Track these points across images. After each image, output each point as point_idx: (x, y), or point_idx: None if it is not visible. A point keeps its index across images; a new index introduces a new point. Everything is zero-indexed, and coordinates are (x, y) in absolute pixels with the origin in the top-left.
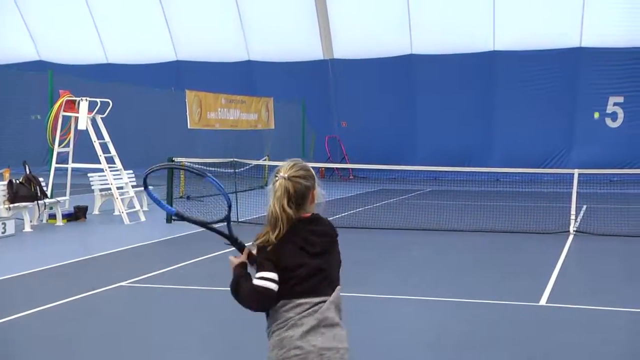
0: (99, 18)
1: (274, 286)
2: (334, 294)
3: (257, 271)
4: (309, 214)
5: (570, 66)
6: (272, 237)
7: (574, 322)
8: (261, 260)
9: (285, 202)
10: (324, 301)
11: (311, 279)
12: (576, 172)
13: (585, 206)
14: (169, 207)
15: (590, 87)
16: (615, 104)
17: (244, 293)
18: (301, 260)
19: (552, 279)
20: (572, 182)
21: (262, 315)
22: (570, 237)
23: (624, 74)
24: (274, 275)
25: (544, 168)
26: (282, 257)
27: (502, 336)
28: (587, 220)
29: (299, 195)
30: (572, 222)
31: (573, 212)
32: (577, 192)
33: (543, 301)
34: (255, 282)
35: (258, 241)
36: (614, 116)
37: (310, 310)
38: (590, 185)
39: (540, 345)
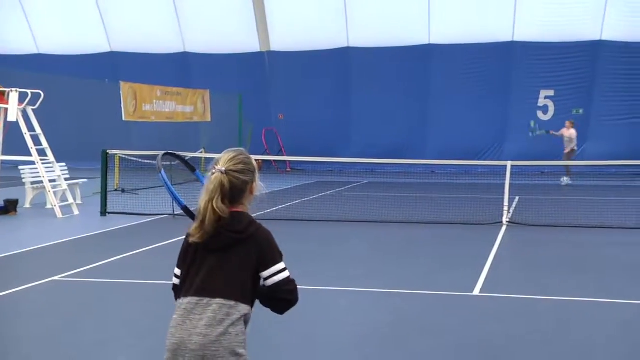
0: (29, 6)
1: (176, 281)
2: (212, 306)
3: None
4: (238, 209)
5: (503, 60)
6: (204, 232)
7: (506, 311)
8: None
9: (218, 197)
10: (207, 303)
11: (194, 277)
12: (509, 164)
13: (517, 197)
14: (180, 199)
15: (523, 80)
16: (546, 97)
17: None
18: (197, 255)
19: (486, 269)
20: (505, 174)
21: None
22: (504, 228)
23: (555, 68)
24: (177, 271)
25: (478, 160)
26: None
27: (435, 326)
28: (520, 211)
29: (234, 191)
30: (505, 213)
31: (506, 203)
32: (509, 184)
33: (476, 291)
34: None
35: (192, 238)
36: (545, 109)
37: (184, 318)
38: (522, 176)
39: (473, 335)
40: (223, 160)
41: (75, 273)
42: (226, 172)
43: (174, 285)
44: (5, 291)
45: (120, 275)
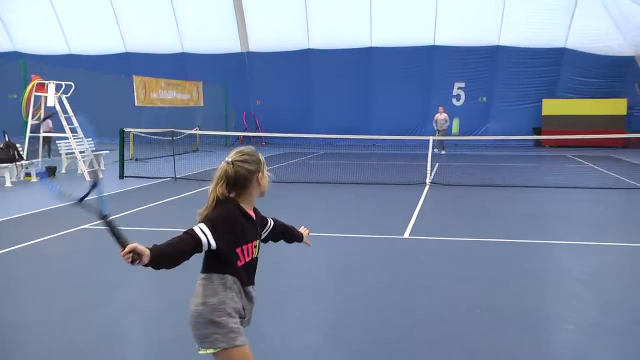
0: (63, 16)
1: None
2: None
3: None
4: (237, 198)
5: (427, 59)
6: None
7: (430, 250)
8: None
9: (222, 184)
10: None
11: None
12: (431, 138)
13: (437, 164)
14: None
15: (441, 75)
16: (459, 88)
17: None
18: None
19: (413, 218)
20: (428, 146)
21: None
22: (427, 187)
23: (466, 65)
24: None
25: (407, 135)
26: None
27: (376, 262)
28: (439, 175)
29: (240, 179)
30: (428, 175)
31: (429, 168)
32: (431, 154)
33: (406, 234)
34: None
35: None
36: (457, 97)
37: None
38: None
39: (404, 267)
40: (231, 154)
41: (100, 222)
42: (232, 163)
43: None
44: (46, 236)
45: (136, 224)
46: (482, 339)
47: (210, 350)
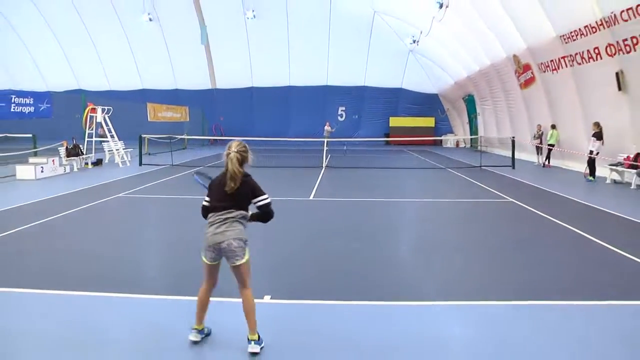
0: (107, 68)
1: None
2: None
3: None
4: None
5: (323, 93)
6: (235, 186)
7: (327, 206)
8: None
9: (238, 165)
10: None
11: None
12: (326, 140)
13: (330, 155)
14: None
15: (332, 102)
16: (341, 110)
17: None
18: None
19: (315, 186)
20: (324, 145)
21: (196, 211)
22: (323, 169)
23: (346, 96)
24: (207, 198)
25: (312, 138)
26: None
27: (292, 212)
28: (331, 161)
29: (244, 159)
30: (325, 162)
31: (324, 158)
32: (326, 149)
33: (311, 197)
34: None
35: (230, 189)
36: (341, 115)
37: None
38: (332, 146)
39: (310, 216)
40: (233, 146)
41: (130, 192)
42: (237, 152)
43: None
44: (95, 201)
45: (151, 193)
46: (353, 255)
47: (247, 257)
